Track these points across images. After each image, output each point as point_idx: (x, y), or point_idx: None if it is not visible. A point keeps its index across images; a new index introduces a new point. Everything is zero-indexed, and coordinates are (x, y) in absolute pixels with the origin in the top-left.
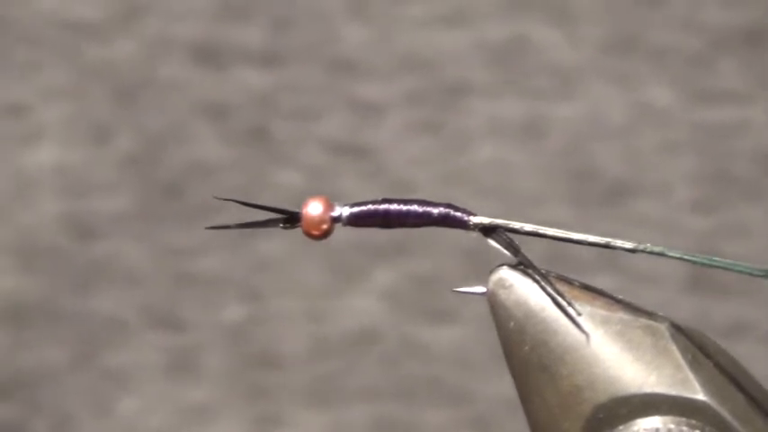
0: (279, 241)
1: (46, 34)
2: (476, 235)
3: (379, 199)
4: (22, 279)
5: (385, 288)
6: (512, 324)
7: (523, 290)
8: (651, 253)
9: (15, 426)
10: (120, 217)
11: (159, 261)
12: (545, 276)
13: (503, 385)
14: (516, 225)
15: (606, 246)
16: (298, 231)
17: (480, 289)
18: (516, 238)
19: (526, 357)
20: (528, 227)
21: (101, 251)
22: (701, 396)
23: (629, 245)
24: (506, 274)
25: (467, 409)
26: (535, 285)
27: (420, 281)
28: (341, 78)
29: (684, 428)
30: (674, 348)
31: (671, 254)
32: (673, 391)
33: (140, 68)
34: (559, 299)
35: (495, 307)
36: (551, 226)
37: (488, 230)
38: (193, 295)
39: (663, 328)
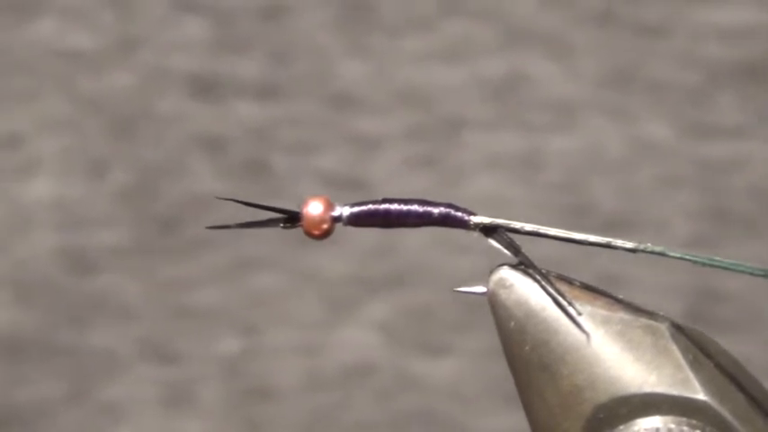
0: (274, 274)
1: (42, 64)
2: (476, 235)
3: (380, 199)
4: (18, 313)
5: (380, 321)
6: (512, 324)
7: (524, 289)
8: (652, 253)
9: None
10: (116, 250)
11: (155, 294)
12: (545, 276)
13: (498, 419)
14: (517, 225)
15: (607, 246)
16: (294, 266)
17: (481, 289)
18: (517, 238)
19: (527, 357)
20: (528, 227)
21: (97, 284)
22: (701, 396)
23: (629, 245)
24: (507, 274)
25: None
26: (536, 285)
27: (415, 313)
28: (339, 112)
29: (685, 428)
30: (674, 348)
31: (671, 254)
32: (673, 391)
33: (137, 100)
34: (560, 299)
35: (496, 307)
36: (550, 259)
37: (489, 230)
38: (189, 328)
39: (663, 327)
